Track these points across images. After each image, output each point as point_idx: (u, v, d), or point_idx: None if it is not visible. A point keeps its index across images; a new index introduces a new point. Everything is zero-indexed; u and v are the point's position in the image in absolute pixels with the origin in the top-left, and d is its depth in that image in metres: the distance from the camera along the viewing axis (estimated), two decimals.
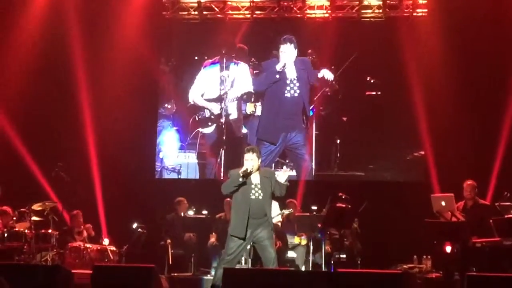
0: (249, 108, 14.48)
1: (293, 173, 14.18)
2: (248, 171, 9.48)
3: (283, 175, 9.72)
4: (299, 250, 12.53)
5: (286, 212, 12.25)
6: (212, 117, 14.45)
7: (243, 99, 14.45)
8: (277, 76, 13.69)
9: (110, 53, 14.42)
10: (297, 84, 13.80)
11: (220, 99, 14.39)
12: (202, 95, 14.58)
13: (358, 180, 14.14)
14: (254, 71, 14.54)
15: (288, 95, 13.81)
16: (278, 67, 13.65)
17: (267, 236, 9.57)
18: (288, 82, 13.78)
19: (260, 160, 9.70)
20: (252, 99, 14.45)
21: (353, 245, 12.61)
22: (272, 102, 13.93)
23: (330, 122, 14.47)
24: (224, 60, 14.56)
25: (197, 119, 14.56)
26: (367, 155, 14.32)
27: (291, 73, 13.79)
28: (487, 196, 12.64)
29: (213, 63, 14.68)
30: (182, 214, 13.24)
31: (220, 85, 14.49)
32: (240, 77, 14.50)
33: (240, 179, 9.48)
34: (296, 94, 13.83)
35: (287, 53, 13.68)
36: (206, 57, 14.81)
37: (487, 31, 13.67)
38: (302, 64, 13.87)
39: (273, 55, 14.37)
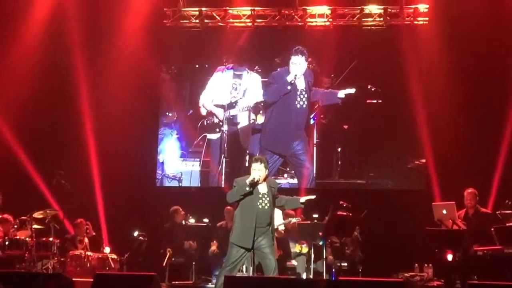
0: (252, 116, 14.51)
1: (294, 181, 14.23)
2: (255, 180, 9.46)
3: (306, 198, 9.81)
4: (300, 258, 12.52)
5: (294, 220, 12.21)
6: (220, 123, 14.46)
7: (252, 109, 14.45)
8: (289, 87, 13.76)
9: (111, 61, 14.44)
10: (306, 95, 13.88)
11: (229, 106, 14.40)
12: (212, 101, 14.58)
13: (359, 188, 14.15)
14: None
15: (298, 106, 13.89)
16: (290, 79, 13.70)
17: (268, 244, 9.55)
18: (298, 93, 13.88)
19: (267, 171, 9.70)
20: (261, 111, 14.43)
21: (354, 253, 12.61)
22: (282, 113, 13.97)
23: (331, 130, 14.48)
24: (240, 68, 14.56)
25: (205, 123, 14.57)
26: (368, 163, 14.33)
27: (301, 84, 13.88)
28: (488, 204, 12.63)
29: (227, 68, 14.68)
30: (184, 222, 13.26)
31: (231, 92, 14.49)
32: (252, 87, 14.51)
33: (247, 188, 9.46)
34: (304, 106, 13.95)
35: (298, 65, 13.76)
36: (207, 65, 14.84)
37: (487, 39, 13.69)
38: (310, 77, 14.01)
39: (275, 63, 14.41)
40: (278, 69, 14.19)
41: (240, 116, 14.50)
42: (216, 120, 14.53)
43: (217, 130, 14.51)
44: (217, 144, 14.53)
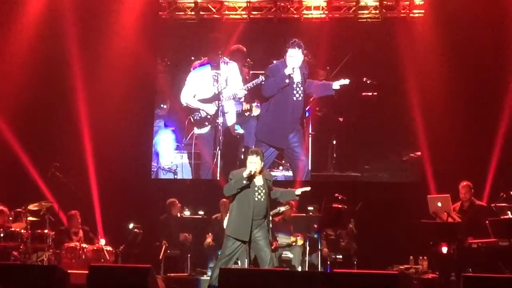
0: (244, 106, 14.47)
1: (290, 173, 14.23)
2: (252, 173, 9.48)
3: (301, 190, 9.82)
4: (295, 251, 12.55)
5: (282, 209, 12.24)
6: (209, 117, 14.42)
7: (237, 99, 14.42)
8: (287, 80, 13.74)
9: (106, 53, 14.42)
10: (302, 88, 13.87)
11: (215, 98, 14.37)
12: (194, 96, 14.54)
13: (354, 180, 14.15)
14: (250, 72, 14.54)
15: (294, 98, 13.88)
16: (288, 72, 13.68)
17: (263, 236, 9.59)
18: (294, 86, 13.85)
19: (263, 163, 9.72)
20: (255, 103, 14.39)
21: (349, 245, 12.63)
22: (278, 106, 13.93)
23: (326, 123, 14.48)
24: (215, 60, 14.50)
25: (192, 120, 14.52)
26: (364, 155, 14.34)
27: (297, 77, 13.85)
28: (483, 197, 12.65)
29: (202, 64, 14.64)
30: (179, 214, 13.28)
31: (214, 84, 14.45)
32: (232, 75, 14.47)
33: (244, 181, 9.48)
34: (300, 98, 13.93)
35: (295, 58, 13.74)
36: (202, 58, 14.79)
37: (483, 32, 13.68)
38: (306, 69, 13.97)
39: (258, 56, 14.43)
40: (274, 62, 14.16)
41: (226, 105, 14.45)
42: (203, 114, 14.48)
43: (206, 123, 14.46)
44: (207, 137, 14.48)
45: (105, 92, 14.33)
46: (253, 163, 9.56)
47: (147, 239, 13.26)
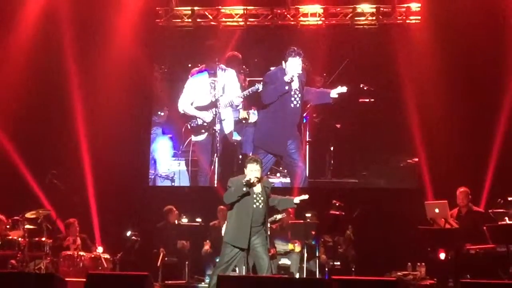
0: (241, 114, 14.46)
1: (287, 180, 14.22)
2: (251, 181, 9.47)
3: (300, 198, 9.83)
4: (293, 258, 12.53)
5: (278, 217, 12.24)
6: (205, 124, 14.40)
7: (235, 106, 14.41)
8: (286, 87, 13.74)
9: (104, 61, 14.42)
10: (299, 95, 13.86)
11: (212, 105, 14.35)
12: (191, 104, 14.52)
13: (351, 187, 14.15)
14: (247, 79, 14.55)
15: (292, 105, 13.87)
16: (287, 79, 13.67)
17: (261, 243, 9.58)
18: (292, 93, 13.84)
19: (261, 171, 9.71)
20: (252, 109, 14.39)
21: (347, 252, 12.63)
22: (277, 113, 13.93)
23: (323, 129, 14.48)
24: (213, 67, 14.49)
25: (189, 127, 14.51)
26: (361, 162, 14.34)
27: (295, 84, 13.84)
28: (481, 203, 12.66)
29: (199, 71, 14.63)
30: (176, 221, 13.26)
31: (211, 92, 14.44)
32: (229, 83, 14.46)
33: (244, 189, 9.47)
34: (298, 105, 13.92)
35: (295, 66, 13.72)
36: (199, 65, 14.79)
37: (480, 38, 13.70)
38: (303, 76, 13.95)
39: (255, 63, 14.41)
40: (272, 68, 14.16)
41: (223, 112, 14.43)
42: (200, 122, 14.46)
43: (203, 131, 14.44)
44: (204, 144, 14.46)
45: (102, 99, 14.33)
46: (255, 171, 9.55)
47: (144, 247, 13.24)
